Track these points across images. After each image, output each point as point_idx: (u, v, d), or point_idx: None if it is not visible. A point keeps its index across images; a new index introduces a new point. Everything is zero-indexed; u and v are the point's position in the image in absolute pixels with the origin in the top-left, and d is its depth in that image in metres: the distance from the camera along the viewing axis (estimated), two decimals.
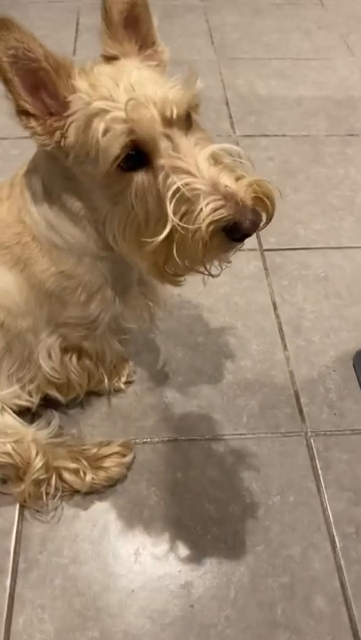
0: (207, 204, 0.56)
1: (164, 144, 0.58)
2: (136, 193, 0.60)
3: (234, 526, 0.84)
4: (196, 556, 0.81)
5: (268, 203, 0.60)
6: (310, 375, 1.04)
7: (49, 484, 0.82)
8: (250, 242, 1.26)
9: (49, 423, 0.87)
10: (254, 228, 0.57)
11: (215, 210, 0.56)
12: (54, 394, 0.85)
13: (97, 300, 0.76)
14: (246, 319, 1.12)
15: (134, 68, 0.62)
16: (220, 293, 1.16)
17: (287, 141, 1.55)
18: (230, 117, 1.61)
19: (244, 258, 1.23)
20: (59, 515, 0.84)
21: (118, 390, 0.98)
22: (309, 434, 0.95)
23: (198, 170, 0.57)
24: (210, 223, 0.56)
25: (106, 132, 0.57)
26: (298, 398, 1.00)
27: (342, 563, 0.81)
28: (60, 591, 0.77)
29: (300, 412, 0.98)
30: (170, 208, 0.57)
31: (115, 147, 0.57)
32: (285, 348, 1.08)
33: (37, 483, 0.81)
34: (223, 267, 0.67)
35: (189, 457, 0.92)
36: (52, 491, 0.82)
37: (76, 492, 0.84)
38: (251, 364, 1.05)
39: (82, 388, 0.89)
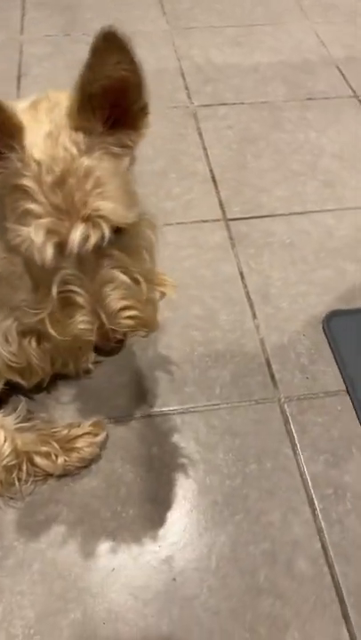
0: (80, 321, 0.60)
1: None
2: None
3: (212, 497, 0.84)
4: (176, 530, 0.80)
5: (144, 330, 0.65)
6: (281, 341, 1.03)
7: (20, 470, 0.80)
8: (214, 212, 1.25)
9: (15, 409, 0.85)
10: (115, 353, 0.63)
11: (83, 329, 0.60)
12: (16, 379, 0.83)
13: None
14: (214, 290, 1.11)
15: (86, 158, 0.56)
16: (186, 267, 1.14)
17: (246, 109, 1.52)
18: (186, 88, 1.57)
19: (209, 229, 1.21)
20: (33, 500, 0.82)
21: (87, 371, 0.96)
22: (283, 399, 0.95)
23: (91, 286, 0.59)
24: (75, 335, 0.61)
25: (19, 220, 0.56)
26: (269, 365, 0.99)
27: (323, 524, 0.81)
28: (40, 576, 0.76)
29: (273, 378, 0.98)
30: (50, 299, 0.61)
31: (18, 239, 0.56)
32: (255, 316, 1.07)
33: (8, 469, 0.79)
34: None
35: (164, 431, 0.90)
36: (24, 476, 0.81)
37: (50, 475, 0.83)
38: (221, 335, 1.04)
39: (45, 371, 0.86)
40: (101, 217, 0.55)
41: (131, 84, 0.57)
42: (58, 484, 0.84)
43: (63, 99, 0.59)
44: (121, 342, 0.63)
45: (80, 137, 0.57)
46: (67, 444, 0.83)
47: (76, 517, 0.81)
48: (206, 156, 1.38)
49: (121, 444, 0.89)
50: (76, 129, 0.57)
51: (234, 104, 1.54)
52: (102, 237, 0.56)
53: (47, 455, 0.81)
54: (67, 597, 0.74)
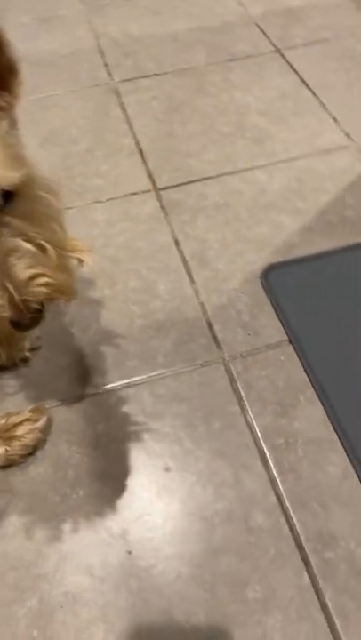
0: None
1: None
2: None
3: (163, 465, 0.82)
4: (128, 503, 0.79)
5: (61, 298, 0.61)
6: (221, 302, 1.01)
7: None
8: (143, 184, 1.22)
9: None
10: (35, 324, 0.59)
11: None
12: None
13: None
14: (150, 261, 1.08)
15: None
16: (120, 241, 1.12)
17: (168, 78, 1.49)
18: (106, 65, 1.54)
19: (140, 201, 1.19)
20: None
21: (25, 360, 0.93)
22: (227, 358, 0.93)
23: None
24: None
25: None
26: (211, 327, 0.98)
27: (276, 475, 0.80)
28: None
29: (215, 339, 0.96)
30: None
31: None
32: (193, 281, 1.05)
33: None
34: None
35: (109, 408, 0.88)
36: None
37: None
38: (160, 305, 1.02)
39: None
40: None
41: None
42: (3, 474, 0.81)
43: None
44: (39, 312, 0.59)
45: None
46: (6, 434, 0.80)
47: (25, 506, 0.79)
48: (131, 129, 1.35)
49: (66, 426, 0.86)
50: None
51: (156, 74, 1.50)
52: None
53: None
54: (21, 587, 0.72)
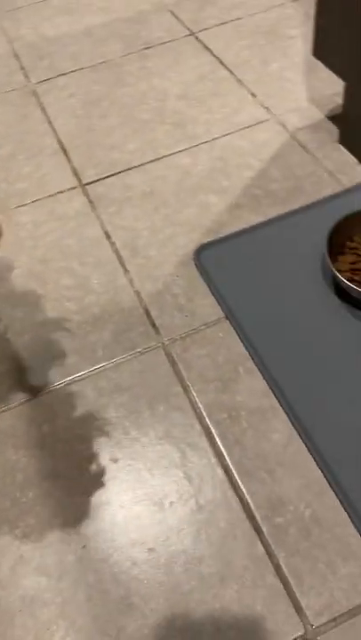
0: None
1: None
2: None
3: (110, 455, 0.82)
4: (79, 499, 0.78)
5: None
6: (156, 288, 1.01)
7: None
8: (68, 181, 1.21)
9: None
10: None
11: None
12: None
13: None
14: (82, 257, 1.08)
15: None
16: (50, 241, 1.11)
17: (85, 74, 1.48)
18: (22, 68, 1.52)
19: (66, 198, 1.18)
20: None
21: None
22: (166, 342, 0.93)
23: None
24: None
25: None
26: (148, 314, 0.98)
27: (222, 449, 0.80)
28: None
29: (153, 325, 0.96)
30: None
31: None
32: (126, 271, 1.04)
33: None
34: None
35: (52, 408, 0.87)
36: None
37: None
38: (95, 299, 1.01)
39: None
40: None
41: None
42: None
43: None
44: None
45: None
46: None
47: None
48: (52, 129, 1.34)
49: (10, 431, 0.85)
50: None
51: (73, 72, 1.49)
52: None
53: None
54: None
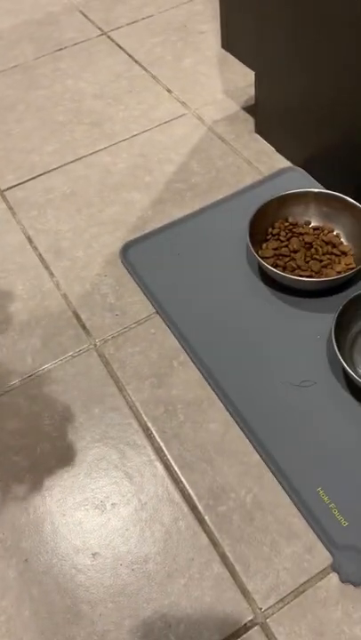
0: None
1: None
2: None
3: (47, 464, 0.79)
4: (16, 512, 0.76)
5: None
6: (84, 290, 0.99)
7: None
8: None
9: None
10: None
11: None
12: None
13: None
14: (4, 264, 1.04)
15: None
16: None
17: None
18: None
19: None
20: None
21: None
22: (98, 343, 0.92)
23: None
24: None
25: None
26: (78, 316, 0.96)
27: (161, 444, 0.80)
28: None
29: (84, 327, 0.94)
30: None
31: None
32: (52, 274, 1.02)
33: None
34: None
35: None
36: None
37: None
38: (22, 305, 0.98)
39: None
40: None
41: None
42: None
43: None
44: None
45: None
46: None
47: None
48: None
49: None
50: None
51: None
52: None
53: None
54: None
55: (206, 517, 0.73)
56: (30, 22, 1.61)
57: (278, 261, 0.94)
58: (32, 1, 1.68)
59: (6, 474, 0.79)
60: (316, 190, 0.99)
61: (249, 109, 1.27)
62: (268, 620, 0.65)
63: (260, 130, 1.20)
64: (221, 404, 0.83)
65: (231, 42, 1.10)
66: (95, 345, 0.92)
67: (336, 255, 0.95)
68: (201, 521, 0.73)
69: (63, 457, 0.80)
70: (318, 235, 0.98)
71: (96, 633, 0.66)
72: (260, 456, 0.77)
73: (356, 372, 0.79)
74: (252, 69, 1.12)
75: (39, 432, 0.83)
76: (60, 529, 0.74)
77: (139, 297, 0.97)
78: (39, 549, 0.72)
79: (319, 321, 0.88)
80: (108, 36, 1.53)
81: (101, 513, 0.75)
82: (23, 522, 0.75)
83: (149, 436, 0.81)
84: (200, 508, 0.74)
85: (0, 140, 1.27)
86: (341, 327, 0.83)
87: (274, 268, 0.91)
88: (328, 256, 0.94)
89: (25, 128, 1.30)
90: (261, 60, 1.06)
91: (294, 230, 0.98)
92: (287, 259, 0.94)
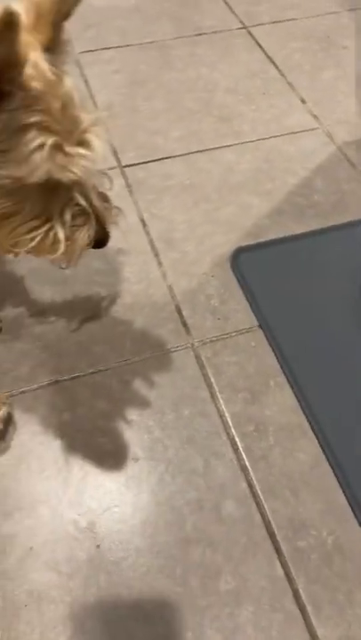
0: (87, 230, 0.60)
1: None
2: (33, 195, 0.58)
3: (131, 453, 0.79)
4: (96, 495, 0.75)
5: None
6: (190, 286, 0.98)
7: None
8: (107, 161, 1.17)
9: None
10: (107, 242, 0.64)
11: (89, 237, 0.61)
12: None
13: None
14: (115, 242, 1.04)
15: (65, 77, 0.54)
16: None
17: (132, 50, 1.43)
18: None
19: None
20: None
21: None
22: (196, 344, 0.90)
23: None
24: (83, 246, 0.61)
25: (47, 156, 0.52)
26: (180, 312, 0.95)
27: (247, 463, 0.78)
28: None
29: (184, 324, 0.93)
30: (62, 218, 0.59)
31: (45, 172, 0.54)
32: (160, 263, 1.01)
33: None
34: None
35: (74, 396, 0.84)
36: None
37: None
38: (127, 288, 0.98)
39: None
40: (95, 125, 0.56)
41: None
42: None
43: None
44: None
45: (49, 57, 0.53)
46: None
47: None
48: (94, 102, 1.29)
49: (28, 415, 0.82)
50: (46, 49, 0.53)
51: (119, 47, 1.44)
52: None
53: None
54: None
55: (283, 549, 0.72)
56: (172, 1, 1.59)
57: None
58: None
59: (90, 454, 0.79)
60: None
61: None
62: None
63: None
64: (314, 436, 0.81)
65: None
66: (193, 345, 0.91)
67: None
68: (278, 551, 0.71)
69: (147, 450, 0.79)
70: None
71: (157, 636, 0.65)
72: (348, 499, 0.75)
73: None
74: None
75: (127, 419, 0.82)
76: (134, 522, 0.73)
77: (243, 306, 0.95)
78: (112, 538, 0.72)
79: None
80: (249, 32, 1.50)
81: (179, 517, 0.74)
82: (97, 507, 0.75)
83: (236, 451, 0.80)
84: (278, 537, 0.72)
85: (126, 115, 1.26)
86: None
87: None
88: None
89: (153, 107, 1.29)
90: None
91: None
92: None
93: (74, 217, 0.60)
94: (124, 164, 1.16)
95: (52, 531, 0.73)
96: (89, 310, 0.94)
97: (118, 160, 1.17)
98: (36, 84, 0.51)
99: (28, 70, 0.51)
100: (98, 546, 0.72)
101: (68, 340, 0.90)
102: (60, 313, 0.94)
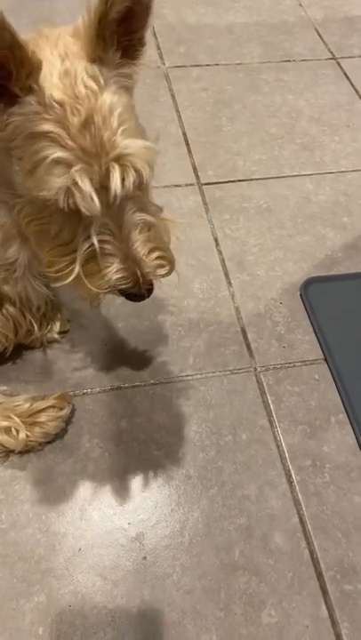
0: (115, 271, 0.56)
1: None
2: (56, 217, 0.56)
3: (185, 471, 0.79)
4: (147, 506, 0.76)
5: (169, 269, 0.61)
6: (257, 310, 0.98)
7: None
8: (187, 177, 1.19)
9: None
10: (148, 296, 0.60)
11: (119, 278, 0.57)
12: None
13: (16, 243, 0.67)
14: (187, 257, 1.05)
15: (107, 94, 0.52)
16: None
17: (220, 70, 1.45)
18: (158, 48, 1.49)
19: (182, 193, 1.15)
20: None
21: (52, 341, 0.90)
22: (259, 369, 0.90)
23: (120, 232, 0.56)
24: (109, 287, 0.58)
25: (49, 171, 0.51)
26: (245, 334, 0.95)
27: (300, 497, 0.78)
28: (0, 559, 0.71)
29: (248, 347, 0.93)
30: (80, 253, 0.56)
31: (52, 191, 0.51)
32: (230, 284, 1.02)
33: None
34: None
35: (134, 404, 0.85)
36: None
37: (11, 452, 0.77)
38: (194, 303, 0.98)
39: (8, 340, 0.81)
40: (131, 155, 0.51)
41: (143, 6, 0.53)
42: (20, 460, 0.78)
43: (63, 33, 0.54)
44: (151, 285, 0.59)
45: (97, 70, 0.52)
46: (29, 419, 0.77)
47: (40, 495, 0.76)
48: (179, 118, 1.31)
49: (88, 417, 0.83)
50: (93, 61, 0.53)
51: (208, 65, 1.46)
52: (137, 178, 0.53)
53: (7, 430, 0.75)
54: (30, 580, 0.70)
55: (330, 590, 0.70)
56: (264, 25, 1.61)
57: None
58: (270, 5, 1.68)
59: (144, 465, 0.79)
60: None
61: None
62: None
63: None
64: None
65: None
66: (255, 369, 0.91)
67: None
68: (324, 591, 0.70)
69: (201, 469, 0.80)
70: None
71: None
72: None
73: None
74: None
75: (184, 434, 0.83)
76: (183, 540, 0.74)
77: (310, 337, 0.95)
78: (159, 553, 0.72)
79: None
80: (338, 63, 1.50)
81: (227, 541, 0.74)
82: (147, 519, 0.75)
83: (291, 484, 0.79)
84: (326, 577, 0.71)
85: (210, 134, 1.28)
86: None
87: None
88: None
89: (236, 128, 1.30)
90: None
91: None
92: None
93: (93, 255, 0.56)
94: (203, 181, 1.18)
95: (100, 535, 0.73)
96: (155, 322, 0.96)
97: (198, 177, 1.19)
98: (55, 93, 0.50)
99: (53, 78, 0.50)
100: (144, 557, 0.72)
101: (133, 349, 0.92)
102: (128, 321, 0.95)
